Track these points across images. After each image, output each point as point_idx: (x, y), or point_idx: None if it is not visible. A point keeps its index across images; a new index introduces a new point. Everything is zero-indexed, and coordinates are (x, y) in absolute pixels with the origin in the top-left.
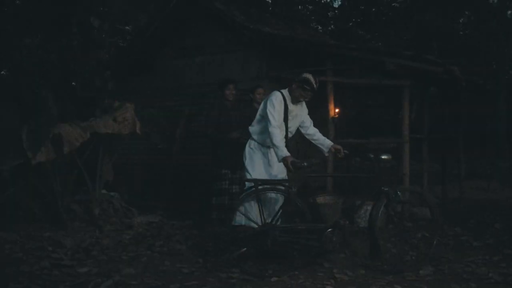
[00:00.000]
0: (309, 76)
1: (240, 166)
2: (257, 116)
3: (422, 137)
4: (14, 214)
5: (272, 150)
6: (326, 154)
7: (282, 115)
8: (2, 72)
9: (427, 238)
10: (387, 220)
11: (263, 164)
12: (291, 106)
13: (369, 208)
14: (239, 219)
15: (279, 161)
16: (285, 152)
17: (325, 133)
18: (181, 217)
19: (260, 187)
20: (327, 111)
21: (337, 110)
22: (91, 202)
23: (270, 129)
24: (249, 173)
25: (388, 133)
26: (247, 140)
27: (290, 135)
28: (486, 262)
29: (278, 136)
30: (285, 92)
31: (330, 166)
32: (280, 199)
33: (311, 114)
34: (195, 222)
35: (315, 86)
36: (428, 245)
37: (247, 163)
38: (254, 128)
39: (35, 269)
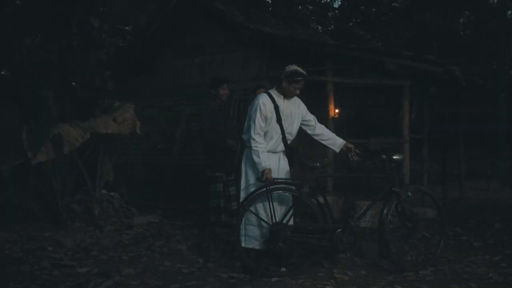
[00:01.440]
0: (295, 67)
1: (234, 169)
2: (246, 123)
3: (422, 137)
4: (14, 214)
5: (269, 154)
6: (337, 151)
7: (274, 118)
8: (2, 72)
9: (427, 238)
10: (374, 221)
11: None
12: (282, 105)
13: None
14: (249, 241)
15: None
16: (265, 165)
17: None
18: (181, 217)
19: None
20: (327, 111)
21: (337, 110)
22: (91, 202)
23: (251, 140)
24: (247, 182)
25: (388, 133)
26: (241, 149)
27: (290, 136)
28: (486, 262)
29: (258, 148)
30: (273, 91)
31: (331, 166)
32: (291, 199)
33: (311, 114)
34: (195, 222)
35: (305, 73)
36: (434, 246)
37: (244, 174)
38: (246, 136)
39: (35, 269)
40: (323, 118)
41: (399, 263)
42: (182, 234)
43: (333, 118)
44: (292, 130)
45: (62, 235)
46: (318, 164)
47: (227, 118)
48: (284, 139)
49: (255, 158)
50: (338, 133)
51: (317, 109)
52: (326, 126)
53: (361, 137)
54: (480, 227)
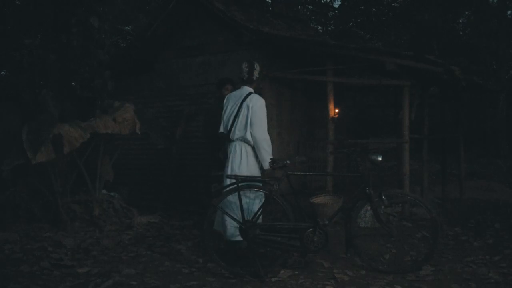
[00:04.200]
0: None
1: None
2: (253, 120)
3: (422, 137)
4: (14, 214)
5: (251, 147)
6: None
7: None
8: (2, 72)
9: (427, 238)
10: (374, 220)
11: (246, 165)
12: None
13: (369, 208)
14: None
15: (266, 167)
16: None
17: (325, 133)
18: (181, 217)
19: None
20: (327, 111)
21: (337, 110)
22: (91, 202)
23: (266, 136)
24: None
25: (388, 133)
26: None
27: None
28: (486, 262)
29: (270, 146)
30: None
31: (330, 166)
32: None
33: (311, 114)
34: (195, 222)
35: None
36: (427, 245)
37: (231, 162)
38: (259, 133)
39: (35, 269)
40: (323, 118)
41: (391, 262)
42: (182, 234)
43: (333, 118)
44: None
45: (62, 235)
46: (287, 162)
47: None
48: None
49: (266, 154)
50: (338, 133)
51: (317, 109)
52: (326, 126)
53: (361, 137)
54: (480, 227)
